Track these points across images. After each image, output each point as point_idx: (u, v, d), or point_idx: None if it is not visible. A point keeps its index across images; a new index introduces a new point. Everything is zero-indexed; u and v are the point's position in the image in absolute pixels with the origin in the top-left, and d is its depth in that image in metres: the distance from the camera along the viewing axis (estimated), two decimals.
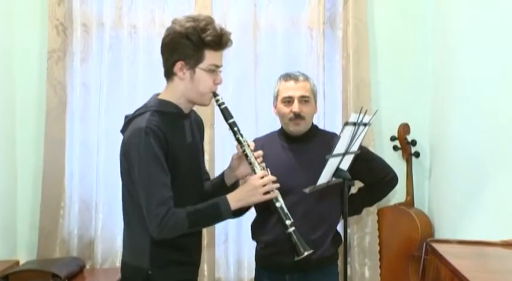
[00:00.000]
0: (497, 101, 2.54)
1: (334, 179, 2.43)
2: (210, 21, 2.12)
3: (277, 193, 2.20)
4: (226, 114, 2.22)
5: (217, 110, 3.39)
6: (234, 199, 2.14)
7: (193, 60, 2.11)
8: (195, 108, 2.32)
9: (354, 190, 2.83)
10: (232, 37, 3.52)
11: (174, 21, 2.16)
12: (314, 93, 2.67)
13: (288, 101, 2.61)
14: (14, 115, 3.56)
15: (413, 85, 3.56)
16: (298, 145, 2.64)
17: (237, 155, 2.29)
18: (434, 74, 3.47)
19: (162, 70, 3.43)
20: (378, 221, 3.45)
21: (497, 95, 2.54)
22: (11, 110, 3.54)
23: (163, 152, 2.07)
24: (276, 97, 2.68)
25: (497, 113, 2.53)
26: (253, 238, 2.75)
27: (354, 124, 2.30)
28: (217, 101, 2.20)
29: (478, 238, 2.31)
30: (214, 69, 2.15)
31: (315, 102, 2.69)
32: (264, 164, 2.23)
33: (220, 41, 2.13)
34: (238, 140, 2.22)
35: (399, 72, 3.57)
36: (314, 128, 2.73)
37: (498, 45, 2.55)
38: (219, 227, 3.48)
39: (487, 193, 2.62)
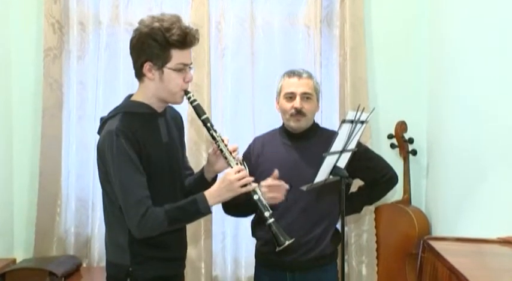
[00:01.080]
0: (493, 100, 2.55)
1: (331, 177, 2.43)
2: (174, 20, 2.14)
3: (254, 186, 2.22)
4: (199, 111, 2.25)
5: (220, 116, 3.47)
6: (211, 195, 2.16)
7: (161, 60, 2.13)
8: (180, 107, 2.35)
9: (354, 189, 2.83)
10: (229, 34, 3.53)
11: (140, 22, 2.18)
12: (317, 91, 2.69)
13: (290, 97, 2.62)
14: (10, 113, 3.55)
15: (411, 83, 3.56)
16: (300, 142, 2.65)
17: (213, 150, 2.32)
18: (431, 72, 3.47)
19: None
20: (375, 219, 3.45)
21: (494, 94, 2.54)
22: (7, 109, 3.53)
23: (136, 153, 2.10)
24: (278, 93, 2.70)
25: (494, 111, 2.53)
26: (253, 235, 2.75)
27: (351, 122, 2.30)
28: (188, 98, 2.23)
29: (475, 236, 2.31)
30: (182, 68, 2.17)
31: (317, 100, 2.70)
32: (240, 158, 2.26)
33: (185, 40, 2.13)
34: (212, 136, 2.25)
35: (396, 70, 3.57)
36: (315, 125, 2.74)
37: (494, 43, 2.55)
38: (217, 225, 3.49)
39: (484, 191, 2.62)
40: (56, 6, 3.45)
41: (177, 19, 2.15)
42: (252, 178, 2.21)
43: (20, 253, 3.52)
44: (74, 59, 3.52)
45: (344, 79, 3.47)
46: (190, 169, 2.49)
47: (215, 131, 2.25)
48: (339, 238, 2.68)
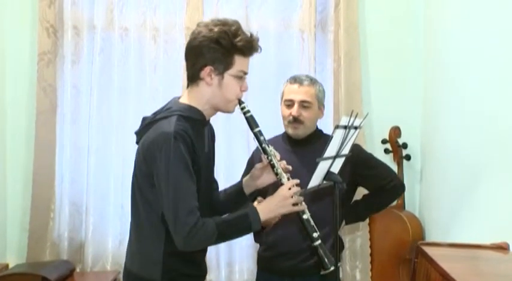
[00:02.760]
0: (488, 105, 2.55)
1: (325, 182, 2.43)
2: (239, 25, 2.07)
3: (304, 206, 2.15)
4: (252, 123, 2.15)
5: (215, 119, 3.45)
6: (263, 210, 2.06)
7: (223, 65, 2.04)
8: None
9: (358, 197, 2.83)
10: None
11: (199, 25, 2.09)
12: (319, 99, 2.68)
13: (289, 104, 2.64)
14: (4, 118, 3.54)
15: (405, 88, 3.57)
16: (301, 148, 2.66)
17: (262, 164, 2.22)
18: (425, 77, 3.48)
19: (153, 72, 3.49)
20: (369, 224, 3.45)
21: (488, 99, 2.55)
22: (1, 113, 3.52)
23: (191, 159, 1.98)
24: (281, 98, 2.71)
25: (488, 116, 2.54)
26: (255, 240, 2.77)
27: (345, 127, 2.30)
28: (242, 108, 2.14)
29: (469, 241, 2.31)
30: (242, 76, 2.09)
31: (320, 107, 2.70)
32: (289, 174, 2.18)
33: (252, 46, 2.08)
34: (264, 149, 2.16)
35: (390, 75, 3.58)
36: (318, 132, 2.75)
37: (489, 49, 2.56)
38: None
39: (478, 196, 2.62)
40: (50, 11, 3.45)
41: (239, 24, 2.08)
42: (301, 198, 2.14)
43: (13, 258, 3.50)
44: (68, 63, 3.51)
45: (338, 84, 3.48)
46: (216, 182, 2.37)
47: (268, 145, 2.16)
48: (340, 245, 2.70)
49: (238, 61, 2.06)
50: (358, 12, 3.51)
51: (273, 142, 2.73)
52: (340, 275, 3.35)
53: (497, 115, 2.45)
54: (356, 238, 3.49)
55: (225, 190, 2.33)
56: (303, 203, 2.15)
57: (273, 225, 2.55)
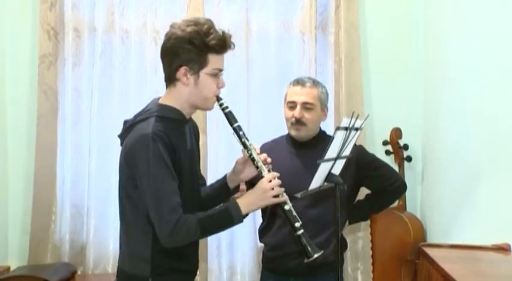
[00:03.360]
0: (488, 106, 2.55)
1: (326, 183, 2.43)
2: (211, 24, 2.09)
3: (286, 196, 2.19)
4: (230, 118, 2.20)
5: (209, 116, 3.47)
6: (244, 203, 2.11)
7: (197, 64, 2.08)
8: None
9: (361, 197, 2.84)
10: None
11: (173, 26, 2.12)
12: (321, 100, 2.68)
13: (292, 106, 2.64)
14: (5, 120, 3.54)
15: (405, 90, 3.57)
16: (304, 151, 2.66)
17: (243, 158, 2.27)
18: (426, 79, 3.48)
19: (154, 75, 3.49)
20: (371, 226, 3.45)
21: (489, 100, 2.55)
22: (2, 116, 3.52)
23: (171, 158, 2.04)
24: (284, 100, 2.72)
25: (489, 117, 2.54)
26: (260, 240, 2.77)
27: (346, 129, 2.30)
28: (221, 105, 2.18)
29: (470, 242, 2.31)
30: (217, 73, 2.13)
31: (323, 109, 2.70)
32: (270, 167, 2.22)
33: (224, 44, 2.11)
34: (244, 144, 2.20)
35: (391, 76, 3.58)
36: (321, 133, 2.75)
37: (489, 50, 2.56)
38: None
39: (479, 197, 2.62)
40: (51, 13, 3.46)
41: (212, 23, 2.11)
42: (282, 189, 2.18)
43: (14, 260, 3.50)
44: (69, 66, 3.51)
45: (339, 86, 3.48)
46: (203, 178, 2.42)
47: (247, 139, 2.20)
48: (344, 245, 2.73)
49: (212, 59, 2.10)
50: (359, 13, 3.51)
51: (277, 142, 2.76)
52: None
53: (498, 116, 2.45)
54: (357, 239, 3.49)
55: (211, 185, 2.37)
56: (284, 194, 2.18)
57: (278, 226, 2.58)
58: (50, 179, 3.46)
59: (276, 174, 2.18)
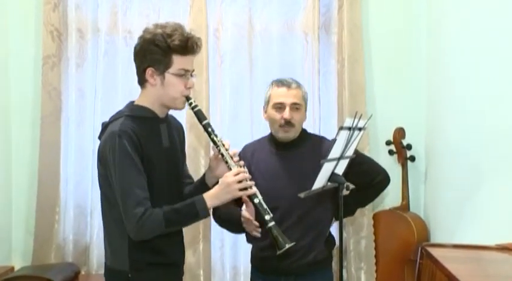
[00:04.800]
0: (492, 105, 2.55)
1: (329, 183, 2.43)
2: (176, 27, 2.17)
3: (255, 190, 2.23)
4: (200, 116, 2.26)
5: (220, 121, 3.47)
6: (210, 197, 2.17)
7: (162, 65, 2.15)
8: (179, 113, 2.37)
9: (346, 192, 2.84)
10: (227, 41, 3.53)
11: (144, 30, 2.22)
12: (305, 101, 2.67)
13: (279, 107, 2.60)
14: (9, 121, 3.55)
15: (409, 89, 3.57)
16: (287, 151, 2.64)
17: (214, 155, 2.33)
18: (429, 79, 3.47)
19: None
20: (374, 226, 3.45)
21: (492, 99, 2.55)
22: (6, 116, 3.54)
23: (138, 154, 2.11)
24: (267, 102, 2.67)
25: (492, 116, 2.54)
26: (248, 241, 2.75)
27: (349, 129, 2.31)
28: (190, 104, 2.24)
29: (474, 242, 2.31)
30: (184, 74, 2.18)
31: (305, 109, 2.69)
32: (241, 162, 2.26)
33: (186, 45, 2.15)
34: (212, 140, 2.26)
35: (394, 76, 3.58)
36: (303, 133, 2.72)
37: (493, 49, 2.56)
38: (215, 232, 3.48)
39: (483, 197, 2.62)
40: (54, 14, 3.46)
41: (179, 26, 2.18)
42: (252, 183, 2.22)
43: (19, 260, 3.52)
44: (72, 66, 3.53)
45: (342, 86, 3.48)
46: (190, 177, 2.48)
47: (216, 136, 2.25)
48: (332, 243, 2.70)
49: (177, 60, 2.15)
50: (362, 13, 3.51)
51: (260, 143, 2.74)
52: (345, 277, 3.40)
53: (501, 115, 2.44)
54: (361, 240, 3.49)
55: (194, 183, 2.43)
56: (254, 187, 2.22)
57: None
58: (53, 180, 3.47)
59: (243, 170, 2.22)
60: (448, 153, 3.10)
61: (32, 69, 3.54)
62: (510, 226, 2.31)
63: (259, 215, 2.26)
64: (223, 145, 2.25)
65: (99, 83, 3.54)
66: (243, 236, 3.41)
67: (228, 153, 2.25)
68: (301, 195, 2.37)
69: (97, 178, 2.23)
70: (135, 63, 2.23)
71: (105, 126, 2.23)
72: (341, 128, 2.28)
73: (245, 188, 2.19)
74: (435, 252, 2.07)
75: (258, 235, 2.46)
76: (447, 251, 2.16)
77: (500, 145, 2.45)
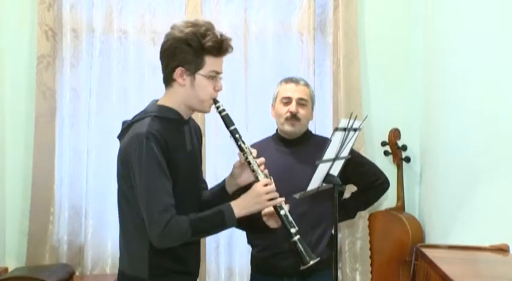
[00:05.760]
0: (487, 106, 2.55)
1: (324, 184, 2.43)
2: (210, 26, 2.09)
3: (281, 201, 2.16)
4: (227, 121, 2.18)
5: (208, 119, 3.47)
6: (238, 207, 2.09)
7: (194, 66, 2.08)
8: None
9: (347, 195, 2.86)
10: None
11: (173, 27, 2.12)
12: (312, 100, 2.74)
13: (286, 101, 2.67)
14: (3, 121, 3.54)
15: (404, 90, 3.57)
16: (293, 148, 2.68)
17: (239, 162, 2.24)
18: (424, 79, 3.48)
19: (152, 75, 3.49)
20: (369, 226, 3.45)
21: (488, 100, 2.55)
22: (0, 116, 3.52)
23: (165, 158, 2.02)
24: (275, 99, 2.73)
25: (488, 118, 2.54)
26: (249, 242, 2.75)
27: (344, 130, 2.31)
28: (217, 107, 2.16)
29: (469, 243, 2.31)
30: (214, 76, 2.12)
31: (312, 109, 2.74)
32: (266, 171, 2.19)
33: (221, 47, 2.10)
34: (240, 147, 2.18)
35: (389, 77, 3.58)
36: (308, 132, 2.79)
37: (488, 51, 2.56)
38: None
39: (478, 198, 2.62)
40: (49, 14, 3.45)
41: (212, 26, 2.10)
42: (277, 194, 2.15)
43: (12, 261, 3.50)
44: (67, 66, 3.52)
45: (337, 87, 3.48)
46: (205, 182, 2.41)
47: (243, 142, 2.18)
48: (334, 243, 2.70)
49: (209, 61, 2.09)
50: (357, 14, 3.51)
51: (265, 142, 2.76)
52: (340, 278, 3.40)
53: (497, 117, 2.45)
54: (356, 240, 3.49)
55: (211, 189, 2.36)
56: (279, 198, 2.16)
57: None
58: (48, 180, 3.46)
59: (270, 179, 2.15)
60: (443, 154, 3.10)
61: (27, 69, 3.53)
62: (504, 227, 2.31)
63: (284, 227, 2.20)
64: (251, 153, 2.18)
65: (94, 83, 3.53)
66: (238, 236, 3.44)
67: (256, 161, 2.17)
68: (296, 196, 2.37)
69: (116, 178, 2.14)
70: (162, 61, 2.15)
71: (127, 125, 2.13)
72: (336, 129, 2.29)
73: (272, 199, 2.13)
74: (430, 253, 2.06)
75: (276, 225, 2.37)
76: (442, 252, 2.16)
77: (495, 145, 2.46)
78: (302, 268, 2.18)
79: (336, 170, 2.45)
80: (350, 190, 2.88)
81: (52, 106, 3.47)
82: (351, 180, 2.78)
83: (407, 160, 3.50)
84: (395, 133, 3.49)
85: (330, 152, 2.32)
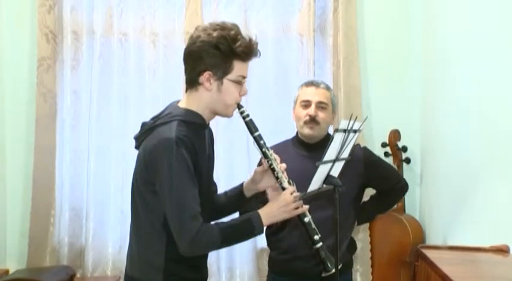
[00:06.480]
0: (487, 107, 2.55)
1: (324, 185, 2.43)
2: (238, 30, 2.05)
3: (305, 208, 2.16)
4: (251, 126, 2.15)
5: (214, 122, 3.46)
6: (266, 215, 2.07)
7: (222, 70, 2.02)
8: None
9: (366, 198, 2.86)
10: None
11: (198, 29, 2.06)
12: (333, 103, 2.72)
13: (306, 105, 2.65)
14: (3, 123, 3.54)
15: (404, 91, 3.57)
16: (313, 152, 2.65)
17: (262, 168, 2.22)
18: (424, 81, 3.48)
19: (152, 77, 3.50)
20: (370, 228, 3.45)
21: (488, 102, 2.55)
22: (0, 119, 3.53)
23: (193, 163, 1.98)
24: (295, 102, 2.73)
25: (488, 118, 2.54)
26: (268, 245, 2.76)
27: (344, 131, 2.30)
28: (241, 113, 2.13)
29: (469, 244, 2.31)
30: (241, 81, 2.08)
31: (333, 112, 2.73)
32: (289, 179, 2.18)
33: (251, 51, 2.06)
34: (264, 153, 2.15)
35: (389, 78, 3.59)
36: (328, 136, 2.74)
37: (488, 51, 2.56)
38: None
39: (478, 199, 2.62)
40: (49, 16, 3.46)
41: (238, 28, 2.06)
42: (301, 201, 2.15)
43: (13, 263, 3.50)
44: (67, 68, 3.52)
45: (337, 88, 3.48)
46: (215, 184, 2.36)
47: (268, 149, 2.15)
48: (354, 246, 2.74)
49: (237, 66, 2.05)
50: (357, 16, 3.52)
51: (284, 145, 2.75)
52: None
53: (497, 117, 2.45)
54: (357, 241, 3.47)
55: (226, 193, 2.32)
56: (304, 206, 2.16)
57: (289, 230, 2.58)
58: (48, 182, 3.46)
59: (294, 187, 2.14)
60: (443, 155, 3.10)
61: (27, 71, 3.54)
62: (505, 228, 2.31)
63: (307, 234, 2.21)
64: (275, 159, 2.16)
65: (94, 85, 3.53)
66: None
67: (280, 168, 2.16)
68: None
69: (134, 180, 2.08)
70: (188, 63, 2.06)
71: (149, 128, 2.06)
72: (336, 130, 2.28)
73: (298, 207, 2.12)
74: (430, 254, 2.07)
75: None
76: (442, 253, 2.17)
77: (495, 146, 2.46)
78: (324, 275, 2.20)
79: (336, 172, 2.45)
80: (368, 193, 2.86)
81: (53, 108, 3.48)
82: (372, 183, 2.77)
83: (408, 161, 3.50)
84: (395, 134, 3.49)
85: (330, 154, 2.32)
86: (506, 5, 2.38)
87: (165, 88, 3.52)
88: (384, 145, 3.52)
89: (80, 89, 3.54)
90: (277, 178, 2.15)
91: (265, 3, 3.56)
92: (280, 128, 3.31)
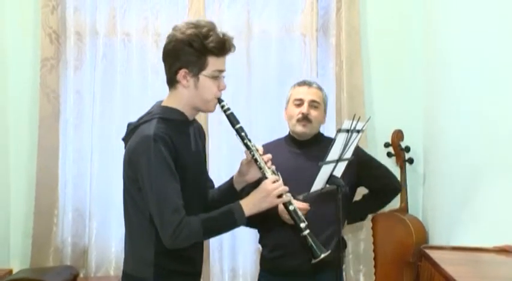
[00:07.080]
0: (490, 107, 2.55)
1: (327, 185, 2.43)
2: (211, 26, 2.10)
3: (290, 197, 2.18)
4: (232, 119, 2.19)
5: (211, 118, 3.47)
6: (247, 205, 2.10)
7: (197, 67, 2.09)
8: None
9: (358, 197, 2.88)
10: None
11: (174, 28, 2.12)
12: (325, 103, 2.77)
13: (298, 103, 2.70)
14: (7, 124, 3.55)
15: (407, 91, 3.57)
16: (305, 149, 2.70)
17: (246, 160, 2.25)
18: (427, 81, 3.48)
19: (155, 77, 3.50)
20: (373, 228, 3.44)
21: (491, 101, 2.55)
22: (4, 119, 3.54)
23: (173, 160, 2.03)
24: (288, 101, 2.77)
25: (491, 118, 2.54)
26: (260, 242, 2.78)
27: (347, 131, 2.31)
28: (222, 107, 2.17)
29: (472, 244, 2.31)
30: (218, 75, 2.13)
31: (324, 112, 2.77)
32: (273, 168, 2.20)
33: (223, 47, 2.10)
34: (246, 145, 2.19)
35: (392, 78, 3.58)
36: (320, 134, 2.81)
37: (490, 51, 2.56)
38: None
39: (481, 199, 2.62)
40: (52, 17, 3.47)
41: (213, 25, 2.11)
42: (286, 188, 2.16)
43: (17, 263, 3.51)
44: (70, 69, 3.53)
45: (340, 88, 3.48)
46: (211, 181, 2.42)
47: (249, 140, 2.19)
48: (344, 244, 2.78)
49: (212, 61, 2.10)
50: (360, 15, 3.51)
51: (277, 143, 2.77)
52: (344, 279, 3.39)
53: (500, 117, 2.44)
54: (359, 242, 3.49)
55: (219, 188, 2.37)
56: (288, 194, 2.17)
57: (278, 226, 2.58)
58: (51, 182, 3.47)
59: (278, 176, 2.17)
60: (446, 155, 3.10)
61: (30, 71, 3.55)
62: (508, 228, 2.31)
63: (294, 222, 2.22)
64: (257, 150, 2.19)
65: (98, 85, 3.54)
66: (241, 237, 3.45)
67: (263, 159, 2.18)
68: (300, 197, 2.38)
69: (122, 180, 2.15)
70: (165, 63, 2.15)
71: (133, 127, 2.13)
72: (339, 130, 2.29)
73: (281, 195, 2.14)
74: (433, 254, 2.07)
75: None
76: (445, 253, 2.16)
77: (498, 146, 2.45)
78: (313, 261, 2.20)
79: (339, 172, 2.45)
80: (361, 192, 2.89)
81: (56, 109, 3.49)
82: (364, 182, 2.81)
83: (411, 161, 3.50)
84: (398, 134, 3.49)
85: (333, 154, 2.32)
86: (506, 5, 2.37)
87: (167, 88, 3.50)
88: (386, 145, 3.51)
89: (83, 89, 3.55)
90: (260, 168, 2.18)
91: (268, 4, 3.56)
92: (283, 127, 3.29)
